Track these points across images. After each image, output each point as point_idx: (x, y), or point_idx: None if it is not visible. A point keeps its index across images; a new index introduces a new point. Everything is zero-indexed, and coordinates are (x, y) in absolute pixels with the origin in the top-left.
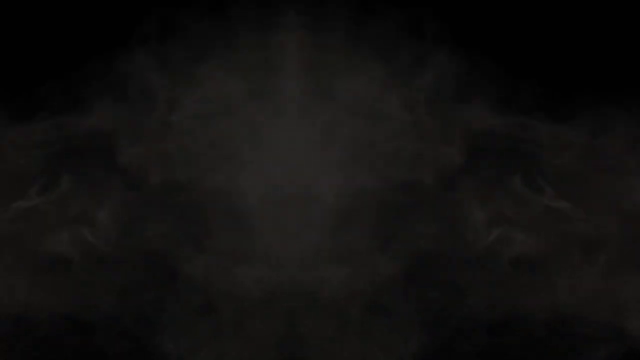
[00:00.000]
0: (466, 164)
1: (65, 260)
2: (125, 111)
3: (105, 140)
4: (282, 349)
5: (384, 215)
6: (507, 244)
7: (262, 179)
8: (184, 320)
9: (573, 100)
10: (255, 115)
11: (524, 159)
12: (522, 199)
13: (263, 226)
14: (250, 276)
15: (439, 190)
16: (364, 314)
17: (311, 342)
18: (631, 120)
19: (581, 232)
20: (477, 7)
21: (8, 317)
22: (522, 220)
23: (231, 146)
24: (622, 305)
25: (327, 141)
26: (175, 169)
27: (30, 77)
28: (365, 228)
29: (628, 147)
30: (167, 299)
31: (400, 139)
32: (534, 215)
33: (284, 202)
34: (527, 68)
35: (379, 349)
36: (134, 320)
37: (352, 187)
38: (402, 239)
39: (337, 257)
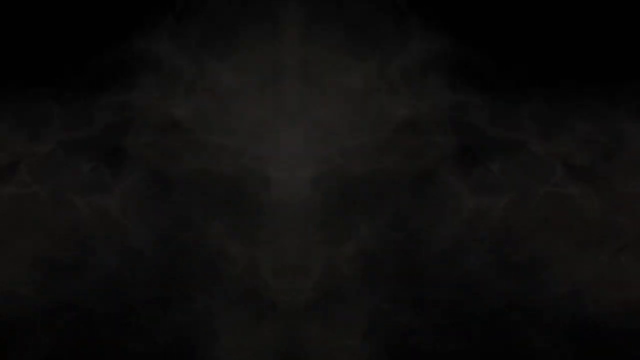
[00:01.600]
0: (458, 151)
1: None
2: (136, 101)
3: (117, 128)
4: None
5: (380, 204)
6: (496, 229)
7: (256, 169)
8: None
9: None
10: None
11: (516, 148)
12: (512, 184)
13: (249, 213)
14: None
15: (429, 176)
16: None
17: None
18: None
19: (581, 222)
20: None
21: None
22: (512, 205)
23: (232, 138)
24: (604, 288)
25: (318, 130)
26: (178, 159)
27: (40, 67)
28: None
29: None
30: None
31: (392, 129)
32: (526, 201)
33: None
34: (525, 59)
35: (359, 335)
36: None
37: (342, 176)
38: (389, 225)
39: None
